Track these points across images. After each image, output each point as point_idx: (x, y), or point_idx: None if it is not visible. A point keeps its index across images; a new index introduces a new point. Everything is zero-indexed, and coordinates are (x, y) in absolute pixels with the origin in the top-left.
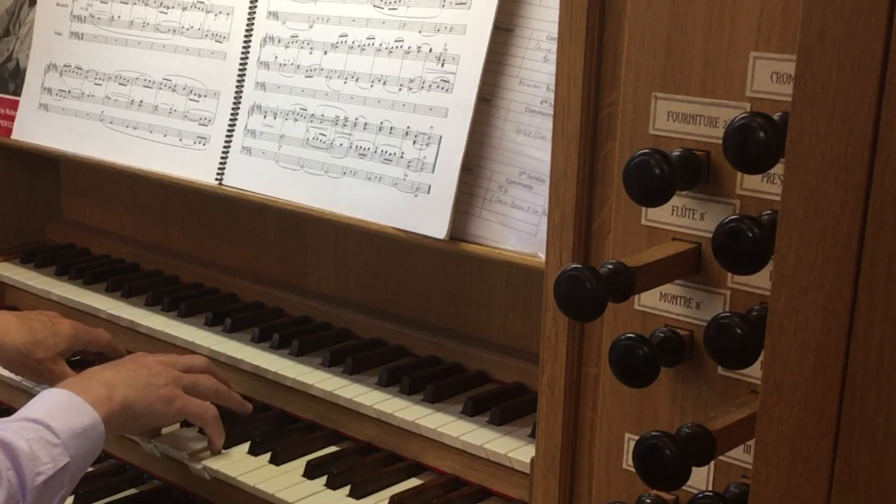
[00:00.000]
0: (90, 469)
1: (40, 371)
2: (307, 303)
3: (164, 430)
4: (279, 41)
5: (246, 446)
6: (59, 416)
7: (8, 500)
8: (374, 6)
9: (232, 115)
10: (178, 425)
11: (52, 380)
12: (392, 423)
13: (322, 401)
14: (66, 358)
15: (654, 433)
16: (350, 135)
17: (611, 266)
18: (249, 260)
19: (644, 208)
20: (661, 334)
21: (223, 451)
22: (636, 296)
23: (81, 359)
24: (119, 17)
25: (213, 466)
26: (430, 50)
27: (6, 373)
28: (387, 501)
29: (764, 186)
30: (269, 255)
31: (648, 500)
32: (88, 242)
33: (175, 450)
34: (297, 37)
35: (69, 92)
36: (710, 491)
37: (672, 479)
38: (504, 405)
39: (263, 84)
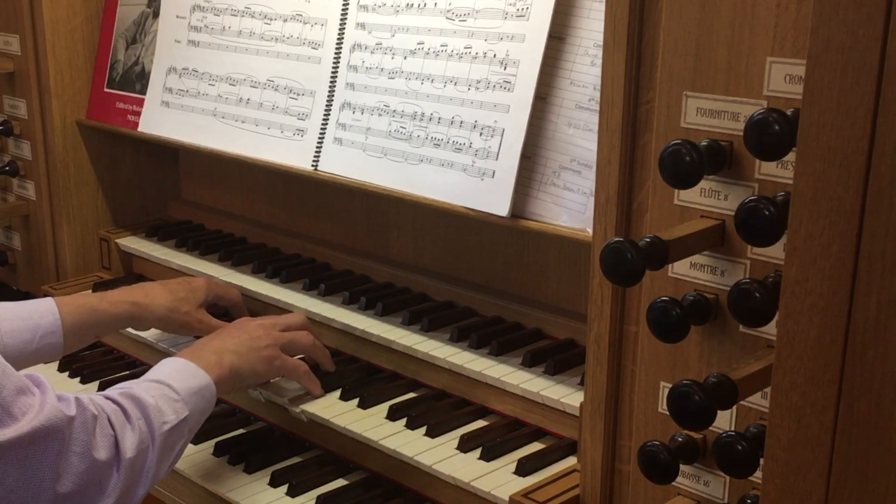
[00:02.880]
0: None
1: (189, 323)
2: (389, 271)
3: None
4: (366, 48)
5: (337, 393)
6: (177, 377)
7: (140, 444)
8: (447, 18)
9: (325, 110)
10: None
11: (199, 329)
12: (462, 374)
13: (402, 354)
14: (206, 308)
15: (685, 382)
16: (426, 128)
17: (648, 239)
18: (340, 234)
19: (676, 190)
20: (691, 297)
21: (317, 398)
22: (670, 265)
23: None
24: (229, 27)
25: (310, 410)
26: (495, 55)
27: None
28: (458, 440)
29: (778, 171)
30: (357, 230)
31: (680, 439)
32: (203, 219)
33: (277, 396)
34: (381, 44)
35: (187, 91)
36: (732, 431)
37: (700, 420)
38: (557, 358)
39: (352, 84)
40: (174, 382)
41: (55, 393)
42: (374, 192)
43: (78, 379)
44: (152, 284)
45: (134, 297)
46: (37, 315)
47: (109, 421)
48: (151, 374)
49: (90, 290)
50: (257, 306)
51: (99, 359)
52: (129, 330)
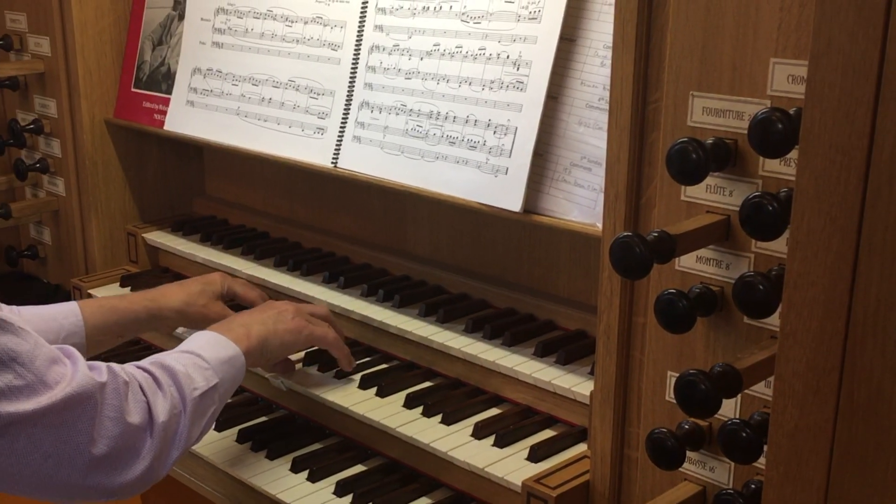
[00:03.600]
0: (229, 400)
1: (206, 315)
2: (406, 264)
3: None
4: (384, 49)
5: (356, 382)
6: (207, 348)
7: (172, 409)
8: (462, 21)
9: (345, 110)
10: (301, 364)
11: (218, 321)
12: (476, 363)
13: (419, 344)
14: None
15: (691, 371)
16: (442, 126)
17: (656, 234)
18: (359, 229)
19: (683, 186)
20: (698, 290)
21: (336, 386)
22: (677, 258)
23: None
24: (252, 29)
25: (330, 398)
26: (508, 56)
27: None
28: (472, 427)
29: (782, 168)
30: (375, 225)
31: (687, 427)
32: (227, 214)
33: (298, 384)
34: (398, 46)
35: (211, 91)
36: (737, 418)
37: (706, 408)
38: (568, 348)
39: (371, 84)
40: (204, 353)
41: (86, 362)
42: (392, 188)
43: None
44: (169, 284)
45: (151, 295)
46: (60, 316)
47: (141, 387)
48: (182, 346)
49: (118, 283)
50: (279, 299)
51: (123, 349)
52: None
